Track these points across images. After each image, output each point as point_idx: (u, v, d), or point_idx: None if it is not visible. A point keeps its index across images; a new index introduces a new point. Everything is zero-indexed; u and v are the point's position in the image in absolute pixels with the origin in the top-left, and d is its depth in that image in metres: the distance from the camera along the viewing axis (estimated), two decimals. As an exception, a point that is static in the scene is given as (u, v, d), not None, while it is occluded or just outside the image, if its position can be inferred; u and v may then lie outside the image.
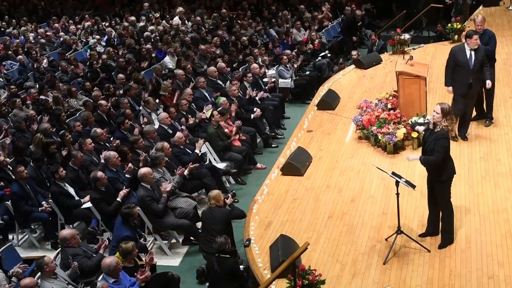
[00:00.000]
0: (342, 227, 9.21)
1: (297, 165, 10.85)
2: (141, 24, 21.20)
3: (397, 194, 8.33)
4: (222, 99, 13.22)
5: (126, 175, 10.93)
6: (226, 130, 12.45)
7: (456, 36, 16.56)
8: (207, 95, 14.40)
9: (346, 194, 10.11)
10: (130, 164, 10.97)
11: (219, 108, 12.83)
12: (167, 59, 17.36)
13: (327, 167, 11.07)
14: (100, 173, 10.39)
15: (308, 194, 10.22)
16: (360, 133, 11.87)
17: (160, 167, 10.68)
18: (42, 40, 20.43)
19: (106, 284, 7.82)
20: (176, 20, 21.88)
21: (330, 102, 13.59)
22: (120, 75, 15.72)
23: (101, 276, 8.28)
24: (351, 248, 8.69)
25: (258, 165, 12.57)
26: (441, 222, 8.48)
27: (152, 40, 19.48)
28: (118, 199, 10.22)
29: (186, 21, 21.82)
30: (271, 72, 16.43)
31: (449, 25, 16.89)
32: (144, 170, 10.26)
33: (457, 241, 8.52)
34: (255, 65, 15.66)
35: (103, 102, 13.79)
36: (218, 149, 12.23)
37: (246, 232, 9.33)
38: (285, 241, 8.54)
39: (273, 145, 13.71)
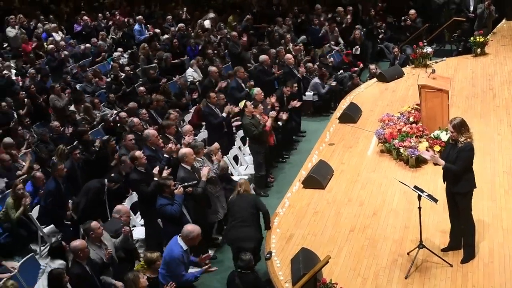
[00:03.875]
0: (364, 240, 9.18)
1: (318, 178, 10.83)
2: (166, 36, 21.29)
3: (419, 208, 8.29)
4: (256, 90, 13.26)
5: (165, 155, 10.95)
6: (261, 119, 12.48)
7: (479, 50, 16.49)
8: (243, 85, 14.66)
9: (367, 207, 10.08)
10: (170, 144, 10.99)
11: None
12: (189, 71, 17.39)
13: (349, 180, 11.05)
14: (138, 152, 10.43)
15: (330, 207, 10.20)
16: (382, 147, 11.84)
17: (200, 156, 10.70)
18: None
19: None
20: (208, 23, 22.03)
21: (352, 115, 13.57)
22: (141, 88, 15.61)
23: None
24: (373, 262, 8.65)
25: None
26: (463, 237, 8.43)
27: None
28: (155, 178, 10.10)
29: (215, 29, 22.03)
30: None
31: (472, 38, 16.83)
32: (185, 150, 10.31)
33: (480, 255, 8.46)
34: (288, 55, 15.75)
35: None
36: (251, 137, 12.37)
37: (267, 245, 9.33)
38: (306, 254, 8.52)
39: (285, 156, 13.92)
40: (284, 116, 13.15)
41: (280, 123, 13.20)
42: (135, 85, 16.61)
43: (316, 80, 16.19)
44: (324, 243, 9.20)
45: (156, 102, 14.27)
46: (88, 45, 20.39)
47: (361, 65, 18.22)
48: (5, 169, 11.99)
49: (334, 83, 16.52)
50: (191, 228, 8.56)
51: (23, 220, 11.05)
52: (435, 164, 8.43)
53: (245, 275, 8.31)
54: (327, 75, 16.61)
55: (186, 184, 9.80)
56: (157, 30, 21.62)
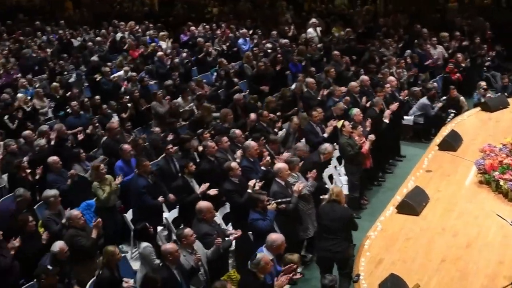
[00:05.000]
0: (455, 272, 8.96)
1: (413, 204, 10.66)
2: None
3: (516, 243, 8.09)
4: (355, 111, 13.20)
5: (262, 168, 11.03)
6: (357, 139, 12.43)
7: None
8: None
9: (461, 238, 9.83)
10: (268, 158, 11.10)
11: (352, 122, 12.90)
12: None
13: (444, 209, 10.81)
14: (234, 163, 10.60)
15: (423, 235, 10.02)
16: (481, 178, 11.53)
17: (295, 171, 10.74)
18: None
19: (267, 257, 8.13)
20: (310, 32, 22.14)
21: (452, 143, 13.29)
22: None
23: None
24: (463, 295, 8.47)
25: None
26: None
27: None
28: (249, 190, 10.25)
29: (319, 33, 22.09)
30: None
31: None
32: (280, 164, 10.39)
33: None
34: (391, 77, 15.60)
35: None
36: (347, 157, 12.33)
37: (356, 267, 9.26)
38: (395, 281, 8.40)
39: (381, 179, 13.77)
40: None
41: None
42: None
43: (424, 100, 15.90)
44: (414, 271, 9.03)
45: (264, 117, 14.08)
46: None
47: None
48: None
49: (440, 104, 16.20)
50: (275, 237, 8.64)
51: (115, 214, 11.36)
52: None
53: None
54: (436, 95, 16.30)
55: (279, 200, 9.86)
56: (269, 45, 21.90)
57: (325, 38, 22.11)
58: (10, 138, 13.31)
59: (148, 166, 11.13)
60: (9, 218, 10.41)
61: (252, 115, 13.77)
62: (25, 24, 26.59)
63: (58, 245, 9.08)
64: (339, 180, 13.02)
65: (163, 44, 22.02)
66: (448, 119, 15.42)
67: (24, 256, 9.38)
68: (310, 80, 15.94)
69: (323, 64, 18.69)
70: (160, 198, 11.13)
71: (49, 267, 8.26)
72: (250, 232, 10.10)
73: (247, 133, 13.18)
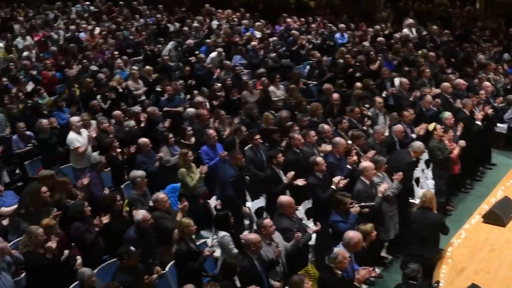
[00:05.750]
0: (540, 287, 8.73)
1: (500, 215, 10.39)
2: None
3: None
4: (447, 114, 12.97)
5: (347, 166, 11.03)
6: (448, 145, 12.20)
7: None
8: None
9: (549, 253, 9.55)
10: (355, 157, 11.08)
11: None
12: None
13: (533, 222, 10.53)
14: (319, 158, 10.62)
15: (508, 247, 9.76)
16: None
17: (380, 171, 10.68)
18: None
19: (344, 251, 8.16)
20: (406, 32, 21.86)
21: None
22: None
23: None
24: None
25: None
26: None
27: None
28: (333, 186, 10.25)
29: (414, 33, 21.76)
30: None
31: None
32: (366, 163, 10.36)
33: None
34: (487, 83, 15.24)
35: (335, 95, 14.22)
36: (436, 161, 12.15)
37: (436, 274, 9.12)
38: (476, 291, 8.26)
39: (468, 187, 13.53)
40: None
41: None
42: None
43: None
44: (497, 283, 8.84)
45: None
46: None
47: None
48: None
49: None
50: (352, 234, 8.60)
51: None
52: None
53: (413, 286, 8.16)
54: None
55: (363, 204, 9.78)
56: (366, 43, 21.51)
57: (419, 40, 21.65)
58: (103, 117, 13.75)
59: (240, 160, 11.24)
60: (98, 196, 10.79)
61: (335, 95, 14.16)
62: (124, 5, 27.11)
63: (141, 213, 9.35)
64: (425, 183, 12.79)
65: (258, 34, 22.09)
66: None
67: (109, 233, 9.66)
68: (403, 80, 15.70)
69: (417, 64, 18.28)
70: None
71: (132, 248, 8.47)
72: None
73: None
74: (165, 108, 14.92)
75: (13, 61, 18.87)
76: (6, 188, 11.31)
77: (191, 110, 13.94)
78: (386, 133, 12.73)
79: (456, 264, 9.35)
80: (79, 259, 9.04)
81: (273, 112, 14.27)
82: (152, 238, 9.47)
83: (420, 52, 19.25)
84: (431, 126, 12.89)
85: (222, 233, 9.41)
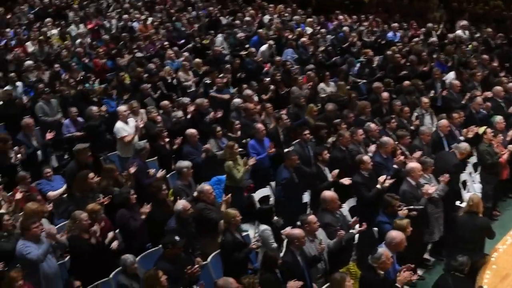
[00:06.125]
0: None
1: (548, 222, 10.26)
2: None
3: None
4: (498, 118, 12.81)
5: (394, 166, 10.96)
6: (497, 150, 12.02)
7: None
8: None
9: None
10: (401, 157, 11.00)
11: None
12: (451, 74, 17.02)
13: None
14: (366, 157, 10.63)
15: (554, 255, 9.62)
16: None
17: (427, 173, 10.58)
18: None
19: (387, 252, 8.12)
20: (459, 33, 21.58)
21: None
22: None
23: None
24: None
25: None
26: None
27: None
28: (378, 186, 10.25)
29: (468, 35, 21.47)
30: None
31: None
32: (413, 164, 10.29)
33: None
34: None
35: (385, 94, 14.14)
36: (484, 166, 11.99)
37: (480, 279, 9.01)
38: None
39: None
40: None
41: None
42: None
43: None
44: (542, 292, 8.71)
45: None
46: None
47: None
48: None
49: None
50: (394, 234, 8.54)
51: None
52: None
53: (461, 280, 8.12)
54: None
55: (411, 207, 9.70)
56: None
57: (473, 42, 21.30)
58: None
59: (295, 161, 11.12)
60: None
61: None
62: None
63: (182, 203, 9.45)
64: (472, 187, 12.62)
65: (309, 30, 22.01)
66: None
67: (151, 222, 9.77)
68: (454, 82, 15.50)
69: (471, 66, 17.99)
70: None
71: (176, 238, 8.55)
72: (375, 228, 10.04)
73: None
74: (211, 94, 14.98)
75: (66, 48, 19.15)
76: (54, 172, 11.43)
77: (237, 100, 14.02)
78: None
79: (500, 270, 9.23)
80: (115, 243, 9.21)
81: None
82: (192, 228, 9.55)
83: (470, 46, 18.96)
84: (481, 130, 12.71)
85: (263, 227, 9.47)
